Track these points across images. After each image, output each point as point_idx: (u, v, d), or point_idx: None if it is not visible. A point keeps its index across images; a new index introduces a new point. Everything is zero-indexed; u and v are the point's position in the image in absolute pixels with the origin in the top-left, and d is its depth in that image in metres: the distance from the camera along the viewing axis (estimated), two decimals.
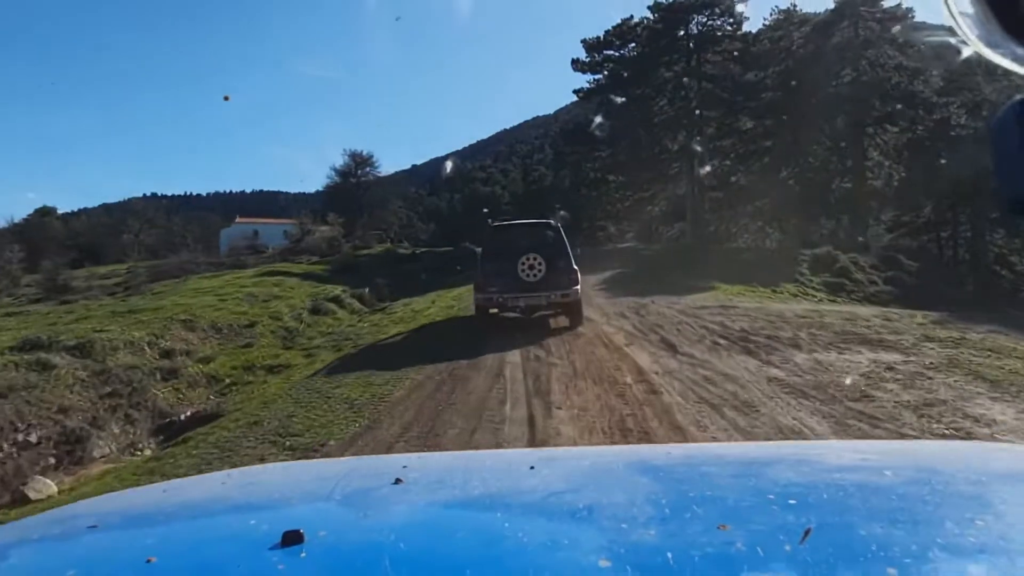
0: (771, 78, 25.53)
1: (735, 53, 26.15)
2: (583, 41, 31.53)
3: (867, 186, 21.89)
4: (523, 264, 8.37)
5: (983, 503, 0.72)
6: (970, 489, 0.78)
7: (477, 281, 8.89)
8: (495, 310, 8.85)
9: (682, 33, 27.21)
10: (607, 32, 30.60)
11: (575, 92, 31.64)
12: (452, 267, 21.14)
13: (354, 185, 38.72)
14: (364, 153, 39.61)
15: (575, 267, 8.57)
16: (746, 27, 26.62)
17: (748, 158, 25.40)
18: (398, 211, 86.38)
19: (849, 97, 23.25)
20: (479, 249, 10.27)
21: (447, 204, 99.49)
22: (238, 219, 49.94)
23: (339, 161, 38.91)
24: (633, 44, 30.02)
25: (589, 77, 31.12)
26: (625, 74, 29.15)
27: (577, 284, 8.51)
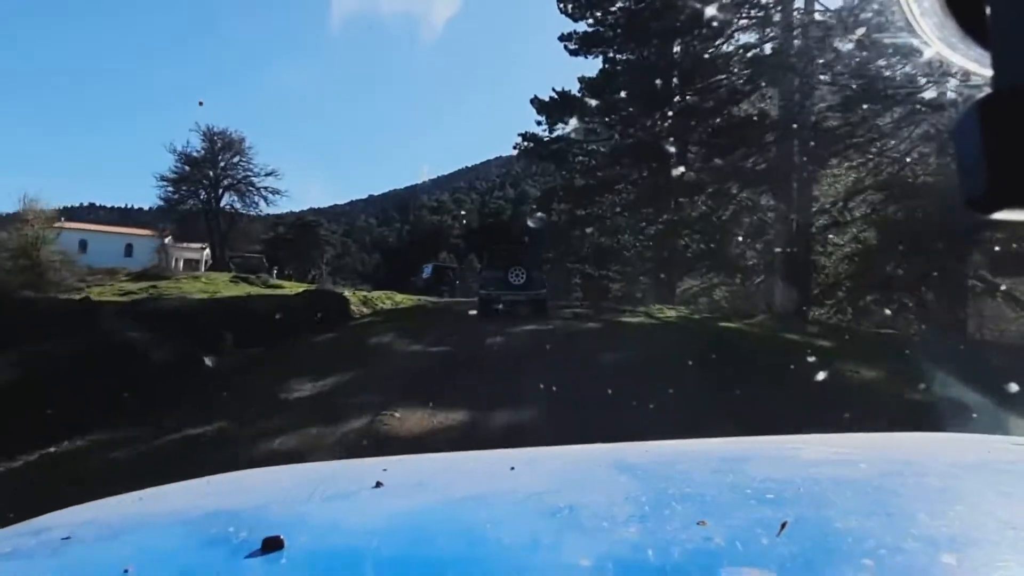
0: None
1: None
2: None
3: None
4: (511, 273, 11.12)
5: (956, 494, 0.70)
6: (943, 480, 0.77)
7: (480, 283, 12.07)
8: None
9: None
10: None
11: (562, 39, 17.64)
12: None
13: (212, 180, 23.23)
14: (231, 133, 23.90)
15: (544, 277, 12.13)
16: None
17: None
18: (331, 238, 70.70)
19: None
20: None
21: (396, 235, 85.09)
22: (62, 222, 33.01)
23: (192, 143, 23.04)
24: None
25: (582, 27, 17.33)
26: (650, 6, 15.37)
27: (544, 288, 11.72)
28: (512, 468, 0.84)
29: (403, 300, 16.77)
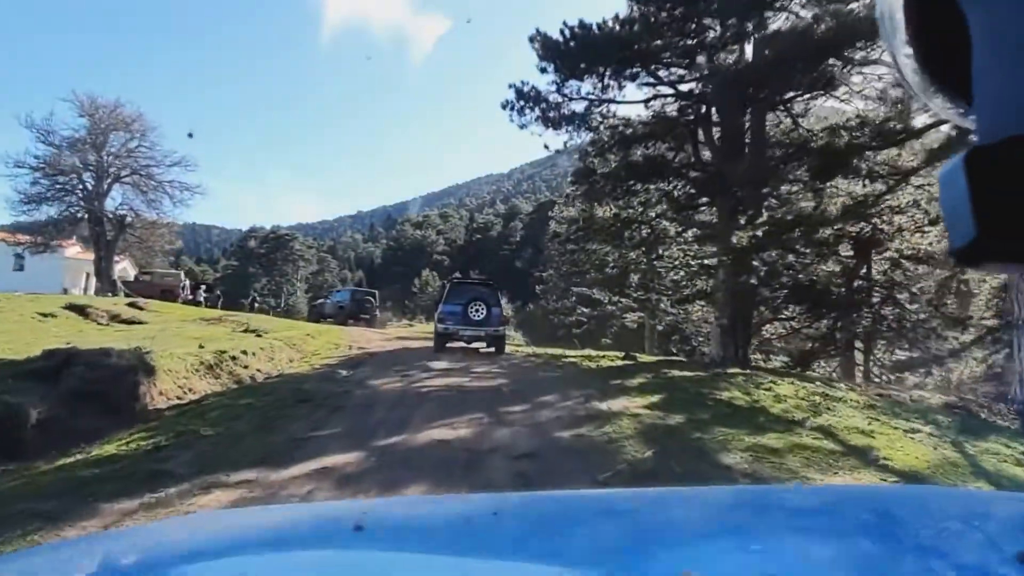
0: None
1: None
2: None
3: None
4: (471, 307, 10.84)
5: (940, 549, 0.69)
6: (927, 534, 0.75)
7: (439, 317, 11.21)
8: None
9: None
10: None
11: None
12: None
13: (95, 169, 16.27)
14: (123, 108, 16.95)
15: (504, 313, 11.90)
16: None
17: None
18: (307, 253, 64.37)
19: None
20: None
21: (382, 251, 78.36)
22: None
23: (63, 118, 15.87)
24: None
25: None
26: None
27: (504, 324, 11.77)
28: (495, 513, 0.83)
29: (319, 349, 10.11)
